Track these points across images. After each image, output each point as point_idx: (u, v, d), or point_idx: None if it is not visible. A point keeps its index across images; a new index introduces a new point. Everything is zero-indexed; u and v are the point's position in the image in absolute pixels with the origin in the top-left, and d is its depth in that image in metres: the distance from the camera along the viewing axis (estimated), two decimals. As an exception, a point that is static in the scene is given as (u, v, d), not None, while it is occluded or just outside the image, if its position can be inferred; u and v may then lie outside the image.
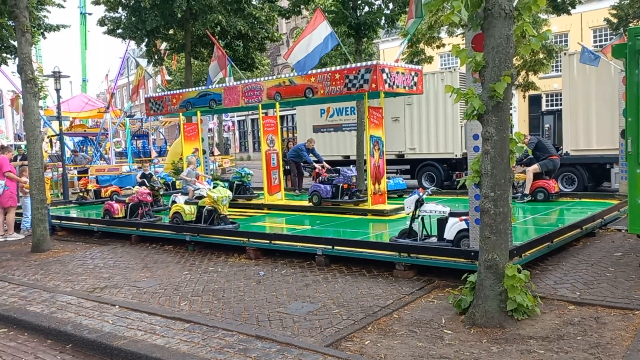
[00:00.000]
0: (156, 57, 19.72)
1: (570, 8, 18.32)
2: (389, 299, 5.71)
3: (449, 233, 6.66)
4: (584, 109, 12.98)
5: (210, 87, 13.09)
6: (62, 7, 14.73)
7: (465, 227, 6.43)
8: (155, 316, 5.54)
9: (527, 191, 10.62)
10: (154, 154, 28.99)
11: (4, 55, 15.00)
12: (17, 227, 11.67)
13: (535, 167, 10.62)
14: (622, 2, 18.30)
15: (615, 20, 18.95)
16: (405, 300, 5.68)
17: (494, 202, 4.77)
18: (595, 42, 30.11)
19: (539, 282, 5.97)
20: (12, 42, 14.16)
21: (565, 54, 13.88)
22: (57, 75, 16.85)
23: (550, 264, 6.77)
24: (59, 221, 11.66)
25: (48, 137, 25.66)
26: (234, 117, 37.43)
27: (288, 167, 15.63)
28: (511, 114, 5.10)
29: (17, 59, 9.91)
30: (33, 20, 12.41)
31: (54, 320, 5.63)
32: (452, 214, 6.79)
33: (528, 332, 4.60)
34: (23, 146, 22.43)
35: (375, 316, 5.21)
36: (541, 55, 22.27)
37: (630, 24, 17.10)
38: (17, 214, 11.74)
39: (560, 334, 4.54)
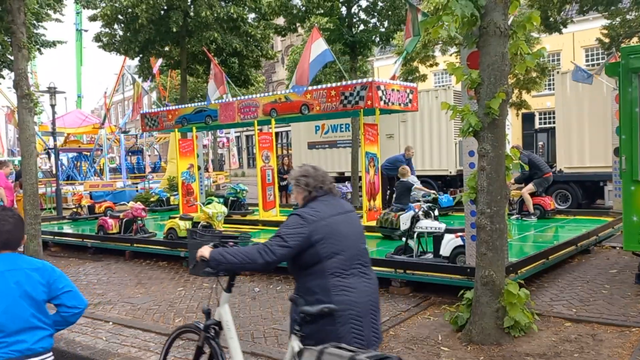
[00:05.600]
0: (148, 72, 19.79)
1: (562, 27, 18.61)
2: (385, 316, 5.68)
3: (445, 249, 6.66)
4: (577, 127, 13.09)
5: (206, 103, 13.13)
6: (60, 21, 14.81)
7: (461, 243, 6.44)
8: (149, 333, 5.48)
9: (531, 210, 10.60)
10: (148, 169, 28.95)
11: (1, 72, 15.03)
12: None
13: (530, 188, 10.63)
14: (613, 22, 18.57)
15: (606, 40, 19.21)
16: (402, 317, 5.66)
17: (490, 218, 4.79)
18: (587, 61, 30.50)
19: (535, 299, 5.97)
20: (9, 56, 14.19)
21: (558, 72, 14.05)
22: (52, 91, 16.87)
23: (546, 281, 6.77)
24: (52, 237, 11.57)
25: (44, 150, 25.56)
26: (229, 132, 37.45)
27: (283, 184, 15.62)
28: (507, 133, 5.14)
29: (13, 74, 9.92)
30: (30, 36, 12.45)
31: (46, 337, 5.55)
32: (447, 231, 6.80)
33: (525, 349, 4.58)
34: (17, 161, 22.35)
35: (372, 333, 5.17)
36: (534, 74, 22.53)
37: (622, 44, 17.36)
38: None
39: (557, 351, 4.53)
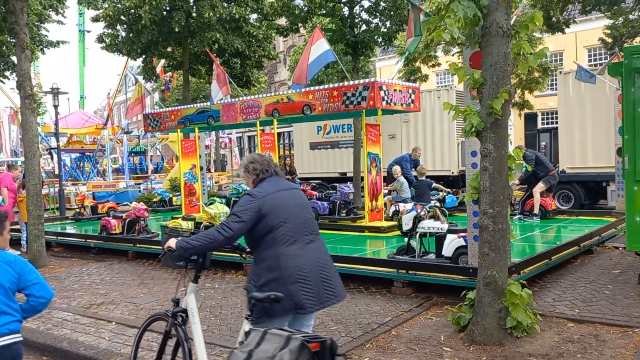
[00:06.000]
0: (152, 72, 19.84)
1: (564, 27, 18.58)
2: (387, 316, 5.68)
3: (447, 250, 6.65)
4: (579, 127, 13.07)
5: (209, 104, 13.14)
6: (63, 23, 14.83)
7: (464, 243, 6.43)
8: (152, 333, 5.48)
9: (536, 210, 10.63)
10: (150, 170, 29.00)
11: (5, 72, 15.06)
12: (17, 244, 11.60)
13: (540, 186, 10.65)
14: (616, 22, 18.55)
15: (609, 40, 19.19)
16: (404, 317, 5.65)
17: (492, 218, 4.78)
18: (589, 61, 30.45)
19: (538, 299, 5.96)
20: (11, 58, 14.24)
21: (560, 72, 14.02)
22: (55, 92, 16.91)
23: (549, 281, 6.76)
24: (55, 237, 11.60)
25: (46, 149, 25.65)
26: (231, 133, 37.50)
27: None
28: (510, 134, 5.13)
29: (16, 75, 9.95)
30: (32, 37, 12.48)
31: (50, 336, 5.58)
32: (450, 231, 6.79)
33: (527, 350, 4.57)
34: (20, 162, 22.42)
35: (374, 333, 5.18)
36: (537, 74, 22.51)
37: (625, 44, 17.33)
38: (17, 230, 11.70)
39: (560, 351, 4.52)
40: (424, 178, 10.62)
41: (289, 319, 3.31)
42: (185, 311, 3.64)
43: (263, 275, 3.25)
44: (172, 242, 3.35)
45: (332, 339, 2.82)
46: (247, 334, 3.01)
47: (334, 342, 2.81)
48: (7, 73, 15.19)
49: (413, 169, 12.61)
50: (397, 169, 11.51)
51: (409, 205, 10.52)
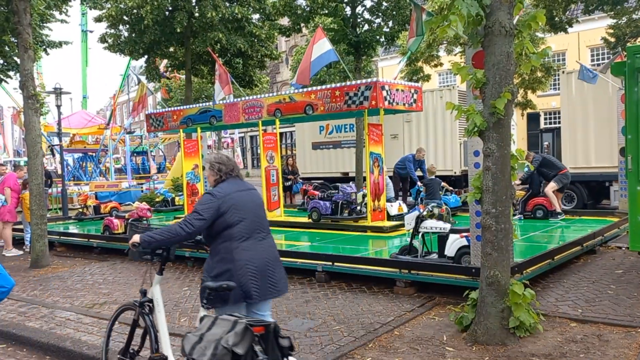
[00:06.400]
0: (154, 73, 19.87)
1: (567, 27, 18.55)
2: (389, 316, 5.68)
3: (450, 250, 6.65)
4: (582, 127, 13.04)
5: (212, 104, 13.16)
6: (66, 22, 14.84)
7: (466, 243, 6.43)
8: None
9: (558, 209, 10.64)
10: (153, 170, 29.02)
11: (7, 71, 15.07)
12: (20, 243, 11.64)
13: (552, 185, 10.65)
14: (619, 22, 18.50)
15: (612, 40, 19.15)
16: (406, 317, 5.65)
17: (495, 218, 4.78)
18: (592, 60, 30.39)
19: (541, 299, 5.95)
20: (14, 58, 14.26)
21: (563, 72, 13.99)
22: (58, 92, 16.95)
23: (552, 281, 6.75)
24: (58, 237, 11.63)
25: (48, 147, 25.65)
26: (234, 133, 37.50)
27: (287, 184, 15.63)
28: (512, 134, 5.13)
29: (19, 75, 9.97)
30: (35, 37, 12.50)
31: (53, 336, 5.59)
32: (452, 231, 6.79)
33: (530, 350, 4.57)
34: (23, 162, 22.45)
35: (376, 333, 5.18)
36: (539, 74, 22.48)
37: (628, 43, 17.29)
38: (20, 230, 11.75)
39: (562, 351, 4.51)
40: (434, 177, 10.91)
41: (244, 308, 3.61)
42: (151, 301, 3.93)
43: (217, 267, 3.57)
44: (136, 238, 3.60)
45: (276, 322, 3.16)
46: (201, 319, 3.29)
47: (277, 325, 3.15)
48: (11, 73, 15.22)
49: (419, 169, 12.70)
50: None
51: (395, 205, 10.84)
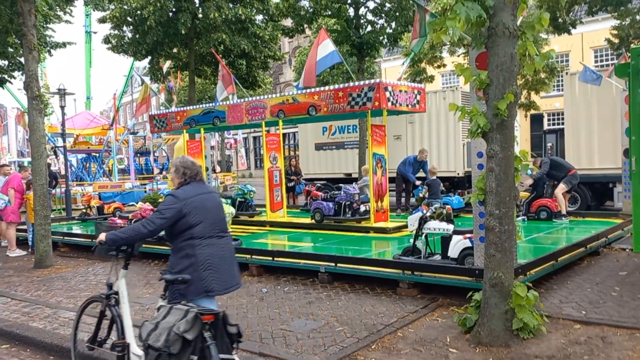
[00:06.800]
0: (159, 74, 19.93)
1: (571, 28, 18.52)
2: (392, 317, 5.67)
3: (453, 251, 6.64)
4: (586, 128, 13.02)
5: (214, 104, 13.19)
6: (70, 22, 14.88)
7: (470, 245, 6.42)
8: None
9: (564, 211, 10.67)
10: (156, 170, 29.07)
11: (11, 72, 15.13)
12: (24, 244, 11.67)
13: (562, 187, 10.68)
14: (623, 23, 18.46)
15: (616, 41, 19.11)
16: (410, 318, 5.64)
17: (499, 219, 4.77)
18: (596, 62, 30.33)
19: (545, 300, 5.93)
20: (18, 59, 14.31)
21: (566, 73, 13.96)
22: (62, 93, 17.00)
23: (555, 283, 6.73)
24: (62, 237, 11.65)
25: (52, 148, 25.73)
26: (237, 134, 37.55)
27: (290, 185, 15.64)
28: (516, 135, 5.12)
29: (24, 76, 9.99)
30: (39, 37, 12.53)
31: (56, 336, 5.60)
32: (456, 232, 6.77)
33: (534, 351, 4.56)
34: (26, 162, 22.52)
35: (379, 334, 5.17)
36: (543, 75, 22.44)
37: (632, 44, 17.25)
38: (24, 230, 11.77)
39: (566, 353, 4.50)
40: (434, 177, 11.43)
41: (205, 300, 3.89)
42: (117, 293, 4.19)
43: (180, 263, 3.86)
44: (102, 236, 3.90)
45: (224, 311, 3.56)
46: (158, 309, 3.69)
47: (226, 314, 3.54)
48: (15, 74, 15.28)
49: (421, 170, 12.75)
50: (365, 168, 12.25)
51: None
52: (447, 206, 7.41)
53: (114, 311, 4.18)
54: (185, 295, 3.76)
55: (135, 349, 3.99)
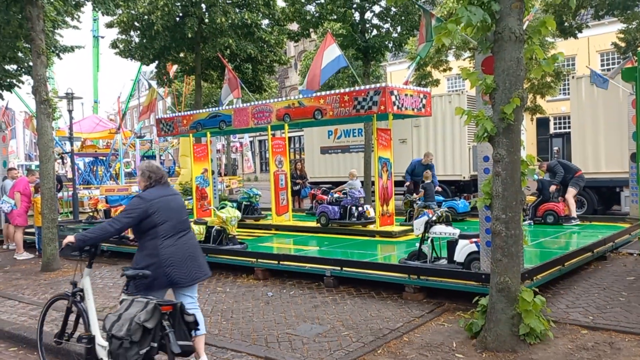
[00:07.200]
0: (165, 78, 20.02)
1: (577, 32, 18.47)
2: (398, 322, 5.67)
3: (459, 255, 6.62)
4: (592, 132, 12.97)
5: (220, 108, 13.23)
6: (78, 28, 14.99)
7: (476, 249, 6.40)
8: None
9: (574, 214, 10.72)
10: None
11: (20, 76, 15.25)
12: (32, 247, 11.73)
13: (572, 191, 10.79)
14: (630, 27, 18.40)
15: (622, 45, 19.04)
16: (416, 323, 5.63)
17: (505, 224, 4.76)
18: (602, 65, 30.22)
19: (551, 305, 5.91)
20: (27, 63, 14.42)
21: (573, 77, 13.93)
22: (69, 97, 17.10)
23: (562, 288, 6.70)
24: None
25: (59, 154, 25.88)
26: (243, 137, 37.63)
27: (296, 188, 15.66)
28: (522, 139, 5.11)
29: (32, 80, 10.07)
30: (48, 42, 12.63)
31: (63, 339, 5.61)
32: (462, 236, 6.76)
33: (540, 357, 4.54)
34: (34, 166, 22.66)
35: (385, 339, 5.16)
36: (549, 79, 22.39)
37: (639, 48, 17.18)
38: (31, 234, 11.84)
39: (573, 359, 4.48)
40: (429, 181, 11.67)
41: (176, 293, 4.36)
42: (82, 290, 4.49)
43: (144, 260, 4.18)
44: (70, 238, 4.16)
45: (182, 302, 3.94)
46: (121, 302, 4.01)
47: (183, 305, 3.92)
48: (23, 78, 15.40)
49: (426, 173, 12.78)
50: (352, 172, 12.85)
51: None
52: (442, 209, 7.47)
53: (81, 307, 4.47)
54: (151, 289, 4.13)
55: (100, 340, 4.26)
